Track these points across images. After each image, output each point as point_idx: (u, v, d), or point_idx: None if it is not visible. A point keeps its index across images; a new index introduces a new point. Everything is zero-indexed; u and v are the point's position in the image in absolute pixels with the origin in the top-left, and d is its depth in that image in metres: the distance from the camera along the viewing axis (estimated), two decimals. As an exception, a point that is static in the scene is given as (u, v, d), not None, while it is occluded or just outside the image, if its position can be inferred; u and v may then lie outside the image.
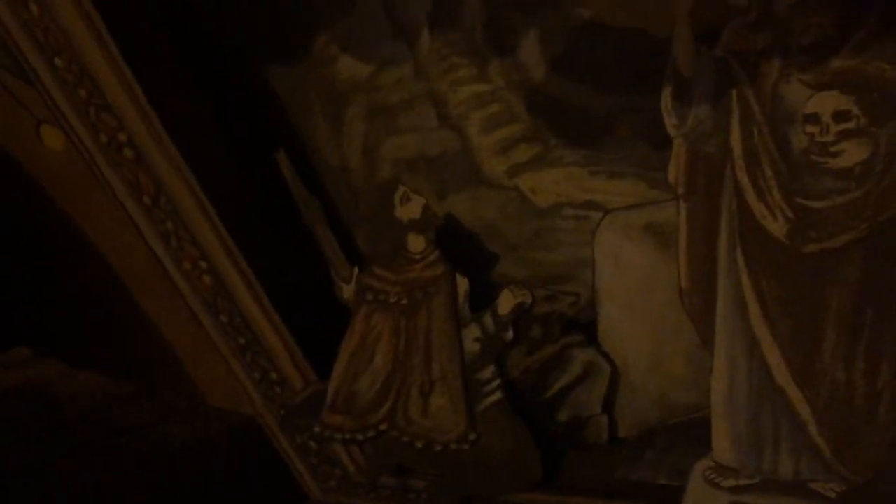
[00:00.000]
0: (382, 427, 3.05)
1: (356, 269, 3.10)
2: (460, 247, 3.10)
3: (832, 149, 2.55)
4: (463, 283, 3.04)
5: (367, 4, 2.99)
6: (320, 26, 3.03)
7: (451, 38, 2.99)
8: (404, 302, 3.03)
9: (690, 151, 2.74)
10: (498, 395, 3.06)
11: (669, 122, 2.71)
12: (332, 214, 3.15)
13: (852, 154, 2.53)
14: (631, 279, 3.03)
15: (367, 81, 3.07)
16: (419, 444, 3.03)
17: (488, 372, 3.06)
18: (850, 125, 2.52)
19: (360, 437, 3.06)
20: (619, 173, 2.96)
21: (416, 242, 3.05)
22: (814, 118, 2.56)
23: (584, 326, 3.12)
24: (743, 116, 2.64)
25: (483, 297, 3.05)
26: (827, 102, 2.53)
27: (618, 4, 2.76)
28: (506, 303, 3.01)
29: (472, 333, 3.05)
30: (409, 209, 3.03)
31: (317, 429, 3.10)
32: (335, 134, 3.17)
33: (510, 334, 3.05)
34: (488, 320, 3.05)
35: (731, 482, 2.80)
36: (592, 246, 3.04)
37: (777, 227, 2.63)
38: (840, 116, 2.53)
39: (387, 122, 3.13)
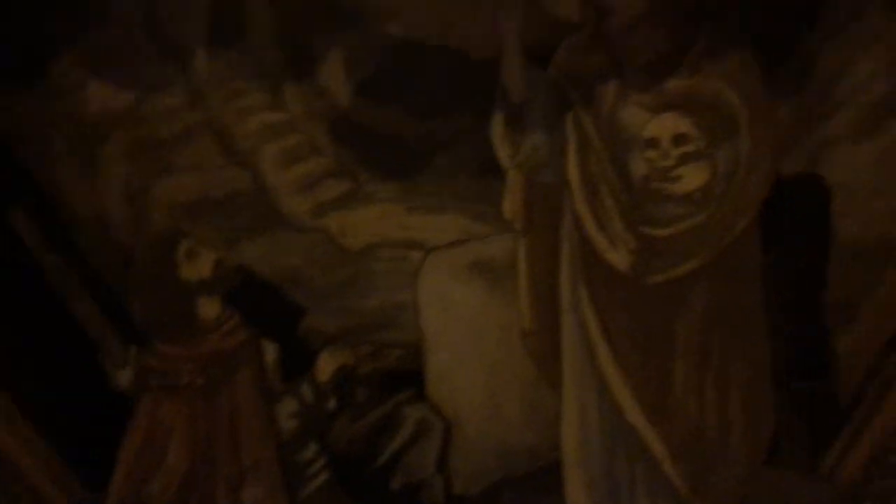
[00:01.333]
0: None
1: (133, 349, 2.69)
2: (261, 304, 2.81)
3: (673, 174, 2.54)
4: (271, 350, 2.76)
5: (124, 17, 2.70)
6: (59, 45, 2.70)
7: (235, 59, 2.76)
8: (200, 382, 2.69)
9: (527, 183, 2.65)
10: (324, 477, 2.76)
11: (502, 151, 2.63)
12: (93, 282, 2.74)
13: (693, 178, 2.53)
14: (460, 323, 2.83)
15: (128, 113, 2.75)
16: (234, 548, 2.63)
17: (310, 451, 2.76)
18: (690, 148, 2.53)
19: None
20: (440, 208, 2.79)
21: (210, 307, 2.71)
22: (653, 142, 2.55)
23: (413, 378, 2.88)
24: (580, 143, 2.60)
25: (296, 363, 2.78)
26: (666, 125, 2.53)
27: (434, 21, 2.64)
28: (325, 367, 2.73)
29: (287, 408, 2.75)
30: (197, 267, 2.70)
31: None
32: (88, 179, 2.80)
33: (333, 403, 2.76)
34: (306, 390, 2.75)
35: (588, 529, 2.64)
36: (414, 289, 2.83)
37: (620, 258, 2.57)
38: (679, 139, 2.53)
39: (156, 161, 2.80)
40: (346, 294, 2.85)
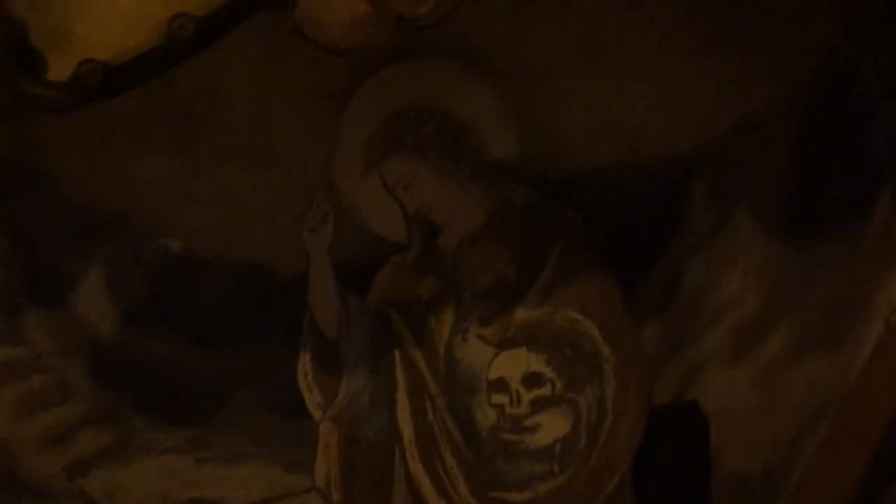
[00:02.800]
0: None
1: None
2: None
3: (526, 423, 2.26)
4: None
5: None
6: None
7: None
8: None
9: (345, 440, 2.32)
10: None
11: (311, 399, 2.31)
12: None
13: (550, 428, 2.26)
14: None
15: None
16: None
17: None
18: (545, 391, 2.26)
19: None
20: (239, 457, 2.49)
21: None
22: (501, 385, 2.28)
23: None
24: (412, 388, 2.31)
25: None
26: (514, 364, 2.26)
27: (225, 230, 2.38)
28: None
29: None
30: None
31: None
32: None
33: None
34: None
35: None
36: None
37: None
38: (531, 380, 2.26)
39: None
40: (111, 577, 2.48)
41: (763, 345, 2.28)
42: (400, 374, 2.30)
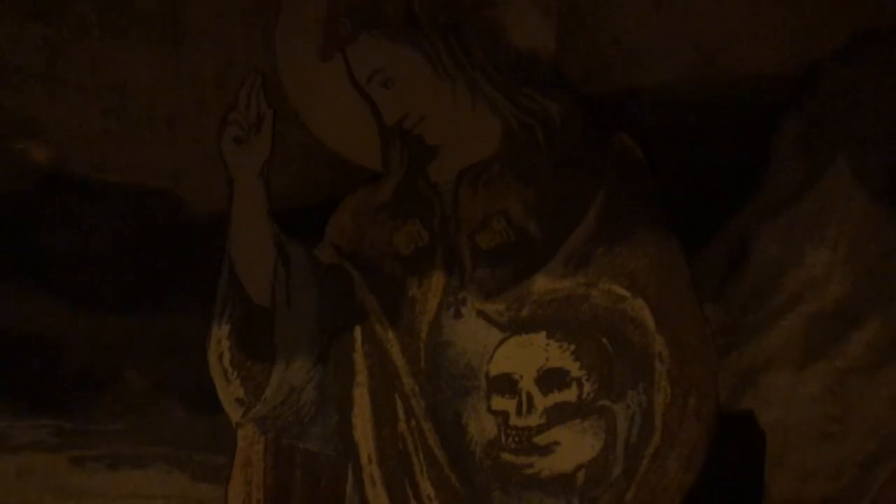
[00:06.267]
0: None
1: None
2: None
3: (539, 439, 1.88)
4: None
5: None
6: None
7: None
8: None
9: (274, 452, 1.94)
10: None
11: (227, 391, 1.93)
12: None
13: (573, 448, 1.88)
14: None
15: None
16: None
17: None
18: (569, 396, 1.88)
19: None
20: (132, 459, 2.21)
21: None
22: (506, 383, 1.90)
23: None
24: (376, 381, 1.93)
25: None
26: (528, 355, 1.89)
27: (109, 142, 2.00)
28: None
29: None
30: None
31: None
32: None
33: None
34: None
35: None
36: None
37: None
38: (551, 380, 1.89)
39: None
40: None
41: (842, 344, 2.00)
42: (360, 361, 1.92)
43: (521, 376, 1.88)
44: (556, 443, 1.86)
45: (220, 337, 1.93)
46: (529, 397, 1.87)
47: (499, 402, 1.88)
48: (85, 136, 2.05)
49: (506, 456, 1.87)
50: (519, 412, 1.87)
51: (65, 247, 2.17)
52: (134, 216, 2.12)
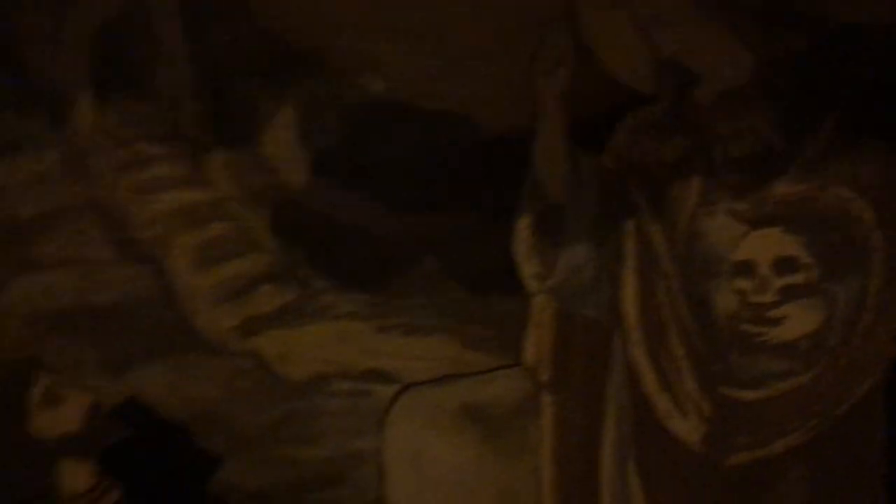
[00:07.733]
0: None
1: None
2: (158, 453, 2.43)
3: (771, 313, 2.13)
4: (165, 521, 2.30)
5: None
6: None
7: (138, 112, 2.36)
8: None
9: (560, 316, 2.24)
10: None
11: (527, 269, 2.22)
12: None
13: (799, 321, 2.13)
14: (441, 487, 2.45)
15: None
16: None
17: None
18: (798, 279, 2.12)
19: None
20: (421, 328, 2.43)
21: (77, 476, 2.17)
22: (748, 268, 2.14)
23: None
24: (642, 264, 2.21)
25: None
26: (766, 245, 2.13)
27: (432, 73, 2.27)
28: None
29: None
30: (59, 418, 2.18)
31: None
32: None
33: None
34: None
35: None
36: (379, 437, 2.45)
37: (689, 429, 2.19)
38: (784, 266, 2.12)
39: (13, 252, 2.45)
40: (281, 439, 2.50)
41: None
42: (630, 247, 2.21)
43: (760, 262, 2.14)
44: (786, 317, 2.13)
45: (524, 226, 2.22)
46: (766, 279, 2.14)
47: (740, 283, 2.15)
48: (412, 71, 2.28)
49: (743, 326, 2.15)
50: (756, 291, 2.14)
51: (386, 161, 2.39)
52: (443, 136, 2.34)
